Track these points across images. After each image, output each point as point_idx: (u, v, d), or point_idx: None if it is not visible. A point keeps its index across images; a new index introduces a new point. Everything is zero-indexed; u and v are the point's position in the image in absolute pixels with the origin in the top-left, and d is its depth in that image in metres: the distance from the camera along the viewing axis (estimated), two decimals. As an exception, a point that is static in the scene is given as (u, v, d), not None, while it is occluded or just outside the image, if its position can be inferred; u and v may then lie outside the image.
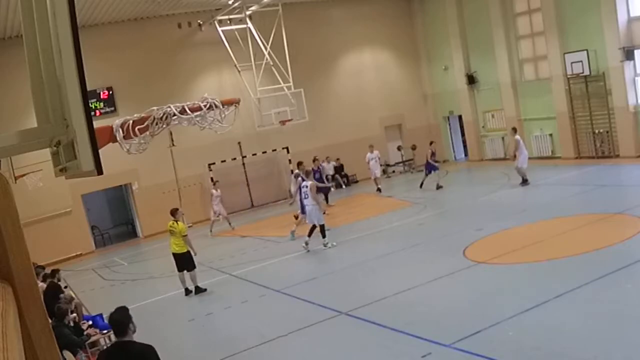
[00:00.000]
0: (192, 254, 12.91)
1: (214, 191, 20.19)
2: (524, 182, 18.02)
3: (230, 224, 20.17)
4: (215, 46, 22.61)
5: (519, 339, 7.53)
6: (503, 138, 24.46)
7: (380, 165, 23.32)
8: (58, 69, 2.33)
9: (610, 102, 19.94)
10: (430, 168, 20.41)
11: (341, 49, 25.96)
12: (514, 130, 19.02)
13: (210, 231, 20.00)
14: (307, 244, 14.65)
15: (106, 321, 10.24)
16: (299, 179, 18.21)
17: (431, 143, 20.94)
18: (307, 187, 14.80)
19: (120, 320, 5.40)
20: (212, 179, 20.55)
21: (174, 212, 12.94)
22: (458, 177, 23.68)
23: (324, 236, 14.61)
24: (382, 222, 16.71)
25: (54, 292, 10.56)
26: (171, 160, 21.35)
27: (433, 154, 20.43)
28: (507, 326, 7.95)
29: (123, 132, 7.15)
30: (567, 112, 21.37)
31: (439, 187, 20.16)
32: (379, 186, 22.07)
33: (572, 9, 20.53)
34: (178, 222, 12.78)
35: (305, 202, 14.99)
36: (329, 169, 24.13)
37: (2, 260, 2.10)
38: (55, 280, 12.07)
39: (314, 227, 14.74)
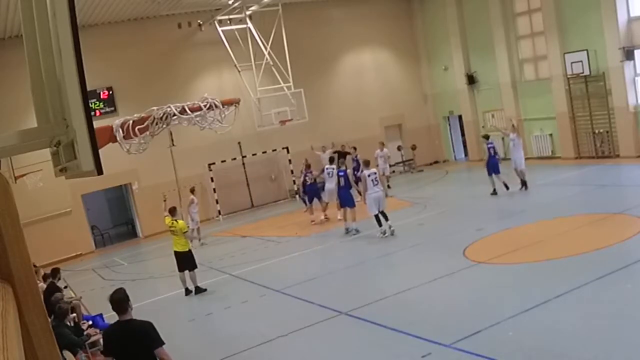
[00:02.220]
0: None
1: (194, 198, 18.35)
2: (524, 185, 17.24)
3: (193, 240, 17.82)
4: (215, 46, 22.60)
5: (519, 339, 7.53)
6: (503, 138, 24.40)
7: (390, 165, 23.06)
8: (58, 69, 2.33)
9: (610, 102, 19.93)
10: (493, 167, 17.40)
11: (341, 49, 25.95)
12: (513, 126, 18.25)
13: (199, 240, 18.44)
14: (390, 227, 14.59)
15: (106, 321, 10.27)
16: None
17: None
18: (375, 174, 14.81)
19: (121, 298, 5.87)
20: (192, 189, 18.94)
21: (172, 211, 12.97)
22: (458, 177, 23.68)
23: (387, 219, 14.63)
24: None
25: (51, 294, 10.58)
26: (171, 160, 21.36)
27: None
28: (507, 326, 7.95)
29: (123, 132, 7.15)
30: (567, 112, 21.36)
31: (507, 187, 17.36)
32: (388, 183, 22.01)
33: (572, 9, 20.53)
34: (177, 221, 12.80)
35: (375, 189, 14.59)
36: (326, 160, 23.86)
37: (2, 260, 2.10)
38: (56, 280, 12.05)
39: (382, 212, 14.72)
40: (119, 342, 5.90)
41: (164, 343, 5.76)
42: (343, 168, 16.48)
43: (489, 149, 17.69)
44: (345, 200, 15.97)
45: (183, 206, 17.09)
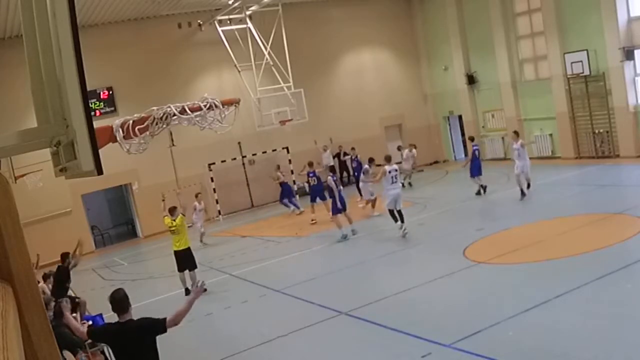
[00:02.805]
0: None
1: (197, 204, 18.24)
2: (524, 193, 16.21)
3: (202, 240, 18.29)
4: (215, 46, 22.60)
5: (519, 339, 7.53)
6: (503, 138, 24.46)
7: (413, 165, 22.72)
8: (58, 69, 2.33)
9: (610, 102, 19.93)
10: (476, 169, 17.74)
11: (341, 49, 25.95)
12: (516, 134, 16.98)
13: (201, 241, 18.36)
14: (404, 230, 14.05)
15: (106, 321, 10.26)
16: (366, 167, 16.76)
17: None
18: (396, 170, 14.38)
19: (121, 298, 5.84)
20: (196, 195, 18.97)
21: (172, 211, 12.96)
22: (458, 177, 23.65)
23: (403, 221, 14.16)
24: (382, 222, 16.69)
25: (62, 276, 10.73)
26: (171, 160, 21.36)
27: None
28: (507, 326, 7.95)
29: (123, 132, 7.13)
30: (567, 112, 21.37)
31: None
32: (409, 180, 21.97)
33: (572, 9, 20.53)
34: (176, 219, 12.80)
35: (392, 186, 14.21)
36: (327, 159, 23.97)
37: (2, 260, 2.10)
38: (66, 265, 12.03)
39: (398, 211, 14.20)
40: (117, 343, 5.90)
41: (165, 319, 5.72)
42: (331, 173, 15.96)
43: (474, 151, 17.86)
44: (342, 203, 15.57)
45: (183, 206, 17.03)
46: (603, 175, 18.00)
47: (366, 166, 18.02)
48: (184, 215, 13.02)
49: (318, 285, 11.91)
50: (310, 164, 19.36)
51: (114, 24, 21.51)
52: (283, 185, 21.37)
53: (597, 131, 20.71)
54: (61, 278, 11.19)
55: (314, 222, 18.21)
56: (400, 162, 23.01)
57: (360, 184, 18.91)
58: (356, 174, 21.14)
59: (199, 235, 18.25)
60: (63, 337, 7.99)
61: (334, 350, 8.57)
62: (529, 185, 16.51)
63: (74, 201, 21.09)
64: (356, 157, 21.52)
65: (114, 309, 5.93)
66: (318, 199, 18.55)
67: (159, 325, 5.72)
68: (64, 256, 12.32)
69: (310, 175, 18.82)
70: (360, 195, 20.61)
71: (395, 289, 10.43)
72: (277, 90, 22.39)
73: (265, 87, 22.48)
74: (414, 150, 22.18)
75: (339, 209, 15.47)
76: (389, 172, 14.30)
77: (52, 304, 8.88)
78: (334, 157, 24.56)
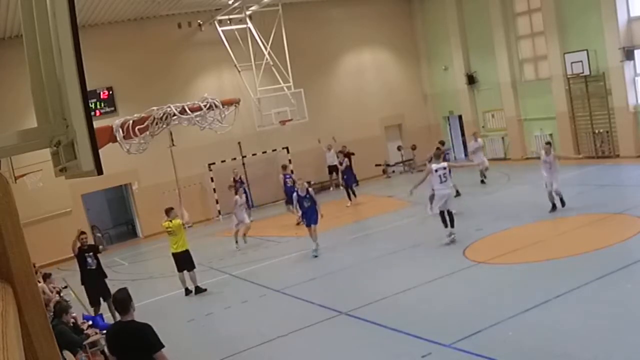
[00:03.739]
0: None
1: (238, 198, 17.21)
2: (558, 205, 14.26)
3: (237, 242, 17.07)
4: (215, 46, 22.61)
5: (519, 339, 7.54)
6: (503, 138, 24.48)
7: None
8: (58, 69, 2.33)
9: (610, 102, 19.93)
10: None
11: (341, 49, 25.95)
12: (549, 146, 15.36)
13: (237, 242, 17.10)
14: (451, 234, 12.87)
15: (106, 321, 10.28)
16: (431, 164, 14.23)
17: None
18: (445, 169, 12.96)
19: (124, 299, 5.87)
20: (234, 185, 19.27)
21: (168, 212, 12.95)
22: (458, 177, 23.60)
23: (453, 225, 12.98)
24: (382, 222, 16.70)
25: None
26: (171, 160, 21.33)
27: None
28: (507, 326, 7.96)
29: (123, 132, 7.12)
30: (567, 112, 21.36)
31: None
32: (484, 179, 19.80)
33: (572, 9, 20.53)
34: (172, 221, 12.80)
35: (442, 186, 12.99)
36: (331, 158, 23.95)
37: (2, 260, 2.10)
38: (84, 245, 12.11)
39: (449, 213, 13.04)
40: (118, 343, 5.91)
41: (163, 346, 5.72)
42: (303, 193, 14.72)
43: (445, 155, 17.86)
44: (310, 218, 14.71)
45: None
46: (603, 175, 18.00)
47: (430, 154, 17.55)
48: (181, 218, 13.00)
49: (318, 285, 11.92)
50: (284, 167, 20.15)
51: (114, 24, 21.50)
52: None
53: (597, 131, 20.70)
54: (83, 249, 11.45)
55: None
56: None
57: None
58: (345, 177, 21.13)
59: (234, 230, 17.17)
60: (63, 335, 8.00)
61: (334, 350, 8.57)
62: (562, 201, 14.22)
63: (74, 201, 21.08)
64: (346, 161, 21.34)
65: (116, 308, 5.94)
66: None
67: (155, 344, 5.69)
68: (81, 233, 12.44)
69: (287, 177, 19.09)
70: (349, 199, 20.59)
71: (395, 289, 10.44)
72: (277, 90, 22.41)
73: (265, 87, 22.50)
74: (479, 140, 19.85)
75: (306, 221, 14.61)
76: (436, 170, 13.01)
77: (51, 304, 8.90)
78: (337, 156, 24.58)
